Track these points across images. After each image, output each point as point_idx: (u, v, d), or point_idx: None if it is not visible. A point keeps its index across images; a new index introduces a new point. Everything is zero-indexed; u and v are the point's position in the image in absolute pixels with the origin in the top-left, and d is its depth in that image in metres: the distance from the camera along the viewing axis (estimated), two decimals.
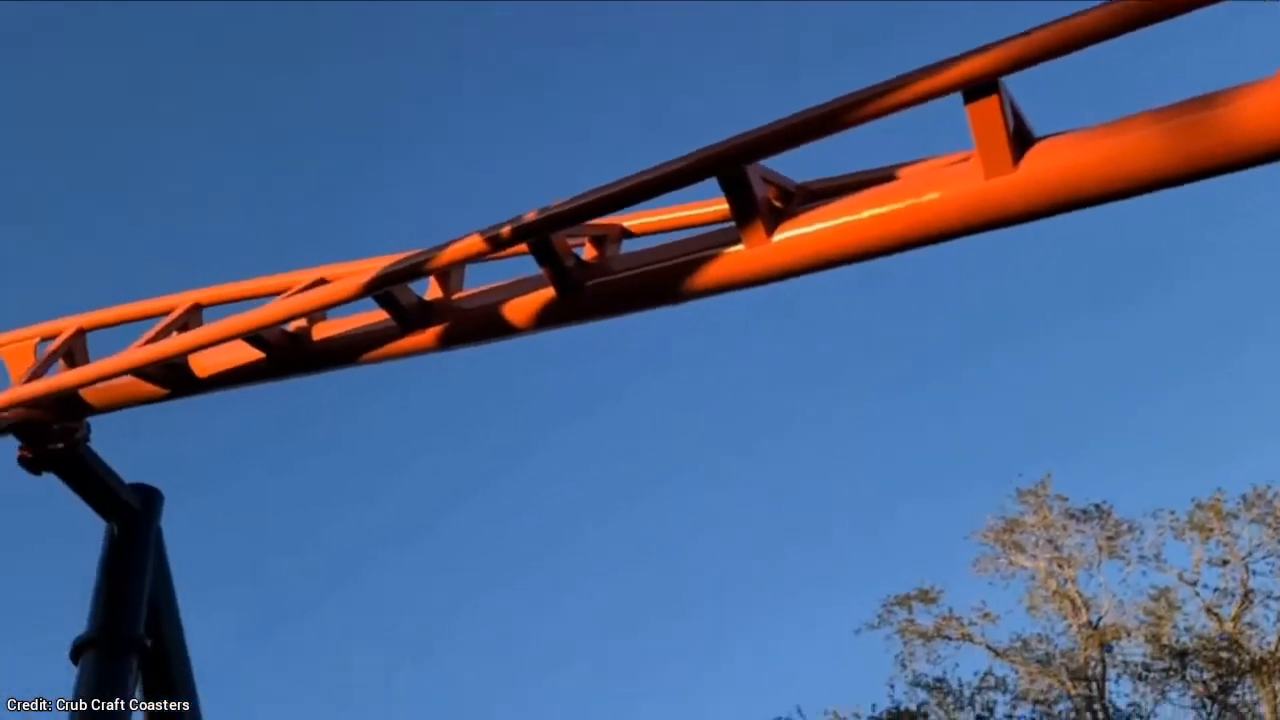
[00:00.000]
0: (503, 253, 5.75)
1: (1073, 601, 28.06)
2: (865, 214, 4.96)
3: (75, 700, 7.00)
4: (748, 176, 5.06)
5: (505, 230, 5.45)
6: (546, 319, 6.02)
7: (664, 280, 5.62)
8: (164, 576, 8.03)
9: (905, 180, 5.09)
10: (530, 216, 5.39)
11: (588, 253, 5.98)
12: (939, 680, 27.83)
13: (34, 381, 7.04)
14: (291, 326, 6.63)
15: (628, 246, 6.07)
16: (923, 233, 4.90)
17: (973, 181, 4.68)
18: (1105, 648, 27.57)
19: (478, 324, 6.22)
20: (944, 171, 4.94)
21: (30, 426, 7.44)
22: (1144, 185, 4.44)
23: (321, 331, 6.72)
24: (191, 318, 6.87)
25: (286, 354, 6.76)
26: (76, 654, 7.25)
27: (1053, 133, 4.65)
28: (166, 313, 6.93)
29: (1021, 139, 4.58)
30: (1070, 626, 27.99)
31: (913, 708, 27.55)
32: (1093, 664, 27.48)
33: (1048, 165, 4.53)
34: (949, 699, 27.66)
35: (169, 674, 7.82)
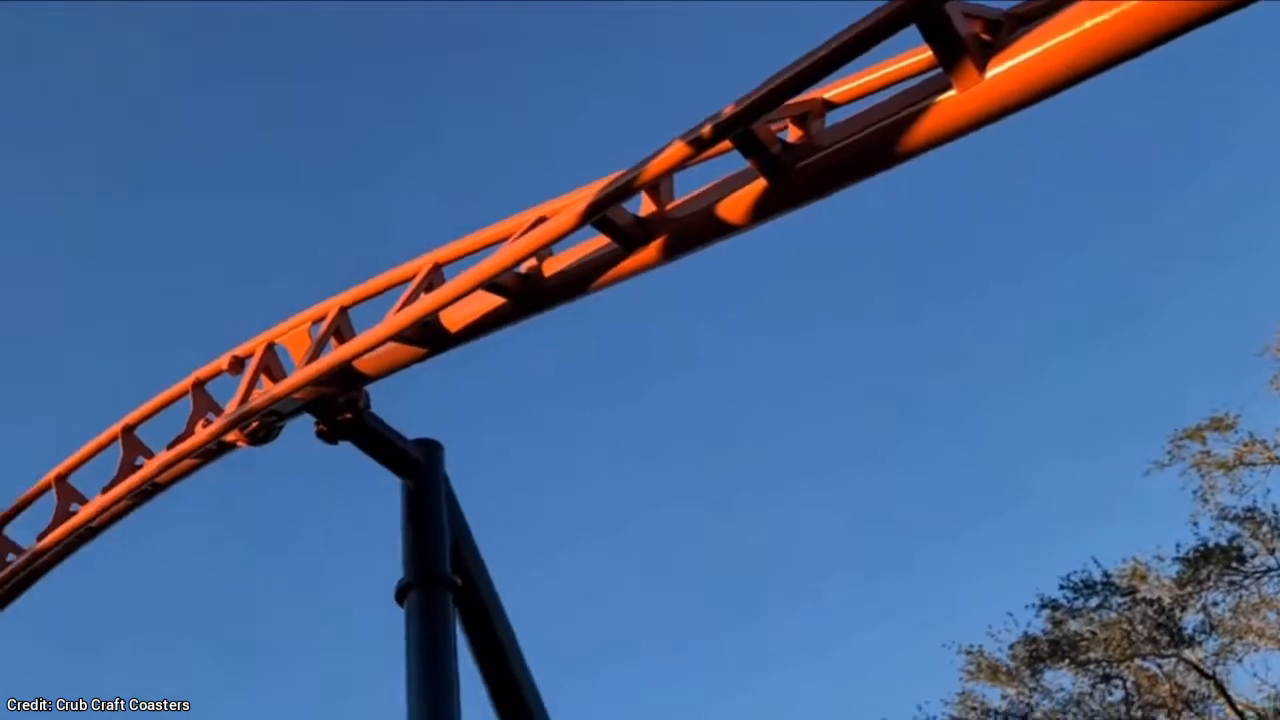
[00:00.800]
0: (707, 153, 5.70)
1: None
2: (1087, 25, 4.54)
3: (409, 635, 7.79)
4: (948, 15, 4.74)
5: (705, 130, 5.40)
6: (763, 210, 5.95)
7: (876, 146, 5.40)
8: (459, 520, 8.69)
9: None
10: (728, 110, 5.31)
11: (792, 135, 5.83)
12: (1249, 510, 25.84)
13: (314, 362, 7.71)
14: (524, 268, 6.91)
15: (832, 119, 5.87)
16: (1156, 30, 4.43)
17: None
18: None
19: (696, 229, 6.23)
20: None
21: (320, 403, 8.20)
22: None
23: (552, 267, 6.96)
24: (434, 277, 7.28)
25: (524, 295, 7.07)
26: (401, 595, 8.04)
27: None
28: (411, 277, 7.37)
29: None
30: None
31: (1223, 542, 25.84)
32: None
33: None
34: (1264, 528, 25.68)
35: (482, 608, 8.52)
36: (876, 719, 27.86)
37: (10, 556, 9.66)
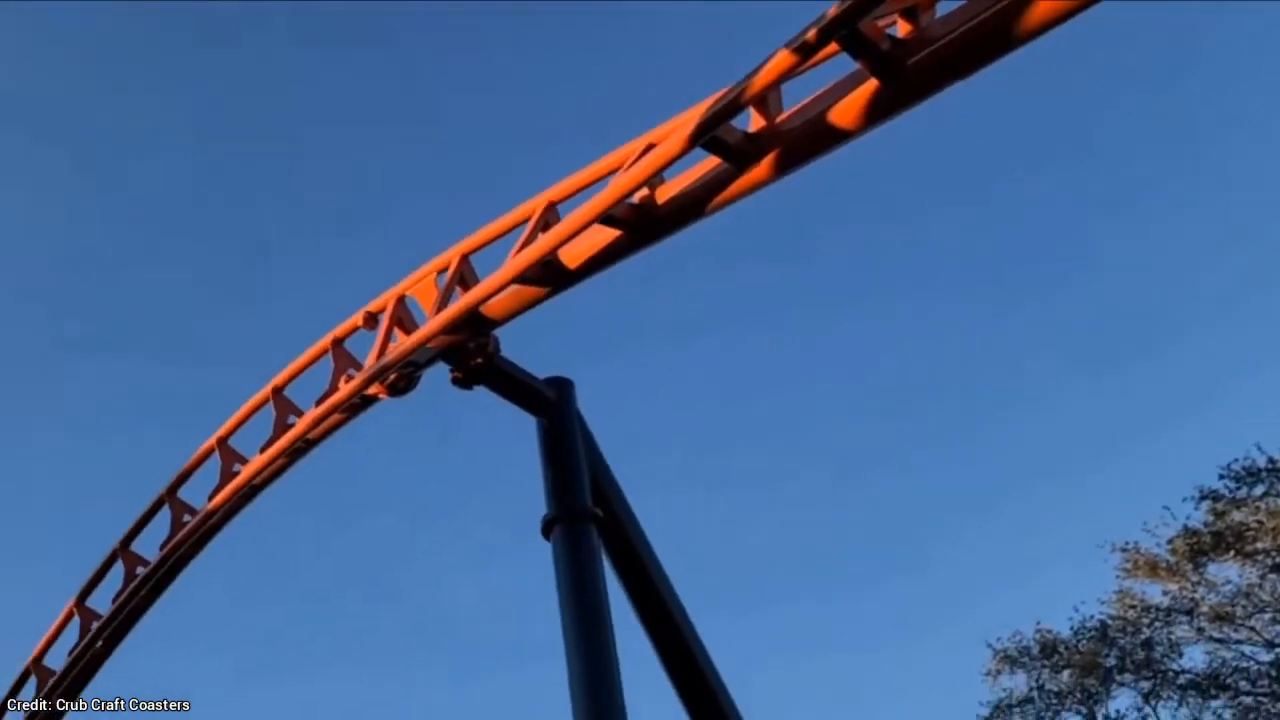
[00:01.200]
0: (814, 59, 5.53)
1: None
2: None
3: (557, 567, 8.02)
4: None
5: (810, 34, 5.23)
6: (877, 112, 5.76)
7: (992, 32, 5.16)
8: (596, 454, 8.84)
9: None
10: (832, 11, 5.12)
11: (901, 30, 5.59)
12: None
13: (443, 310, 7.90)
14: (636, 198, 6.89)
15: (943, 9, 5.60)
16: None
17: None
18: None
19: (809, 140, 6.09)
20: None
21: (453, 351, 8.41)
22: None
23: (664, 194, 6.91)
24: (550, 216, 7.32)
25: (639, 225, 7.06)
26: (547, 530, 8.27)
27: None
28: (527, 219, 7.43)
29: None
30: None
31: None
32: None
33: None
34: None
35: (625, 537, 8.69)
36: (1032, 621, 27.29)
37: (185, 517, 10.32)
